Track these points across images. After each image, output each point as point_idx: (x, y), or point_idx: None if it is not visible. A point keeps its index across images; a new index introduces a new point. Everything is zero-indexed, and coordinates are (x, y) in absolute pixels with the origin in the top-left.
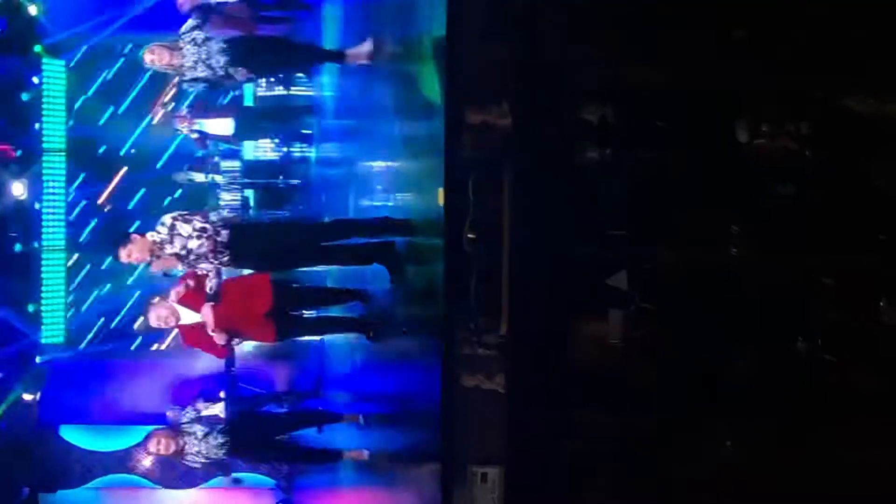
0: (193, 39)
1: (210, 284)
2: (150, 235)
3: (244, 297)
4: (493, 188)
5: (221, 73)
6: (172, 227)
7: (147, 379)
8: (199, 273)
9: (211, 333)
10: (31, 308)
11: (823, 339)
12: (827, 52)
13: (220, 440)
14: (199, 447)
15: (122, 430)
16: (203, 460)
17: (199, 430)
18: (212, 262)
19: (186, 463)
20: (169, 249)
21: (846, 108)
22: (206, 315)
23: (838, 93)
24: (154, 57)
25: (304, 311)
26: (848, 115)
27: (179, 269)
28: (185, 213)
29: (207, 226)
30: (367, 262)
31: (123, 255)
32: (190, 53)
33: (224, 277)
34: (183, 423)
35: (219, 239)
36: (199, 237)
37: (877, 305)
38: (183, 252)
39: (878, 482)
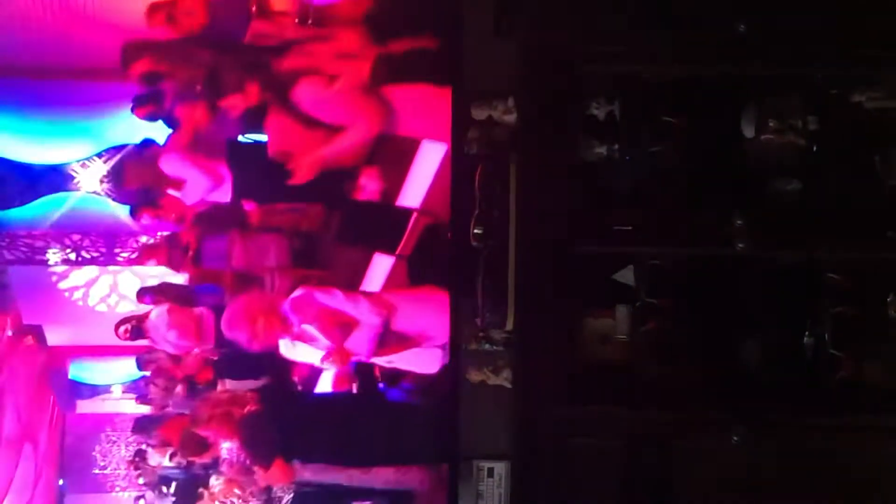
0: None
1: None
2: None
3: None
4: (499, 183)
5: None
6: None
7: None
8: None
9: None
10: None
11: (831, 334)
12: (835, 46)
13: None
14: None
15: None
16: None
17: None
18: None
19: None
20: None
21: (854, 103)
22: None
23: (846, 88)
24: None
25: None
26: (856, 111)
27: None
28: None
29: None
30: None
31: None
32: None
33: None
34: None
35: None
36: None
37: (885, 300)
38: None
39: (886, 478)
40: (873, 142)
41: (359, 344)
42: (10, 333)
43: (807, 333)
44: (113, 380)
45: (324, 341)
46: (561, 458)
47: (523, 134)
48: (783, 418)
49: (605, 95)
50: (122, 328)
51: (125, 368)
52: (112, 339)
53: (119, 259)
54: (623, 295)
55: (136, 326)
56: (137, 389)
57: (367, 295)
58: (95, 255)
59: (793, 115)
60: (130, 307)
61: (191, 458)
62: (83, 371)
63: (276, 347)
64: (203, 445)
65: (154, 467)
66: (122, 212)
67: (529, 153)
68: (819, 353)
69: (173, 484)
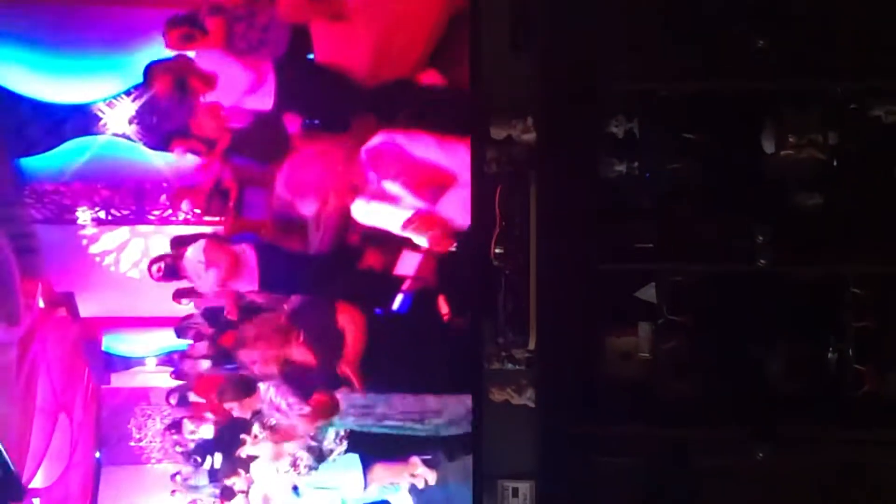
0: None
1: None
2: None
3: None
4: (519, 202)
5: None
6: None
7: None
8: None
9: None
10: None
11: (854, 349)
12: (854, 61)
13: None
14: None
15: None
16: None
17: None
18: None
19: None
20: None
21: (873, 117)
22: None
23: (865, 102)
24: None
25: None
26: (875, 125)
27: None
28: None
29: None
30: None
31: None
32: None
33: None
34: None
35: None
36: None
37: None
38: None
39: None
40: (893, 155)
41: (454, 206)
42: (42, 304)
43: (830, 348)
44: (147, 352)
45: (409, 200)
46: (585, 477)
47: (542, 153)
48: (807, 434)
49: (624, 113)
50: (155, 266)
51: (159, 340)
52: (146, 310)
53: (150, 217)
54: (645, 312)
55: (170, 265)
56: (172, 363)
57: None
58: (125, 212)
59: (812, 130)
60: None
61: (233, 403)
62: (117, 343)
63: (348, 212)
64: (246, 387)
65: (189, 439)
66: (151, 158)
67: (549, 172)
68: (843, 368)
69: (208, 457)
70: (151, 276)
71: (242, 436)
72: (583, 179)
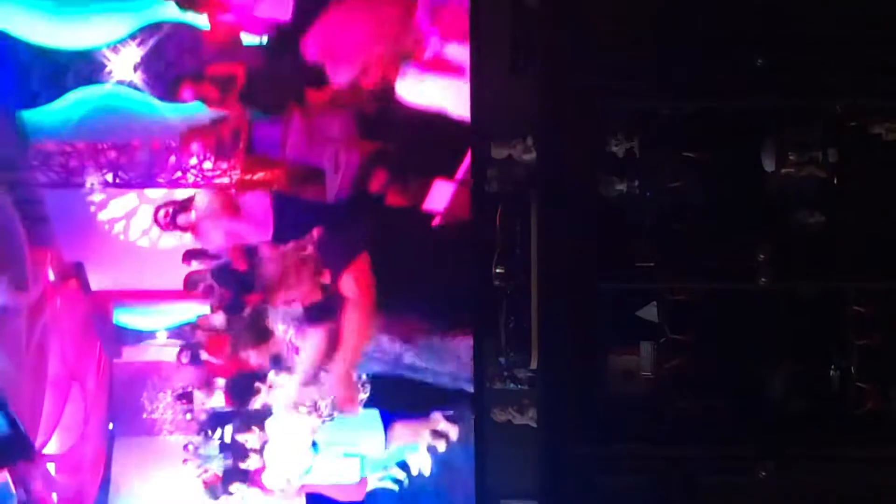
0: None
1: None
2: None
3: None
4: (520, 222)
5: None
6: None
7: None
8: None
9: None
10: None
11: (857, 366)
12: (854, 79)
13: None
14: None
15: None
16: None
17: None
18: None
19: None
20: None
21: (874, 135)
22: None
23: (865, 120)
24: None
25: None
26: (876, 142)
27: None
28: None
29: None
30: None
31: None
32: None
33: None
34: None
35: None
36: None
37: None
38: None
39: None
40: (893, 173)
41: None
42: (52, 277)
43: (832, 366)
44: (157, 325)
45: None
46: (588, 496)
47: (543, 172)
48: (811, 452)
49: (624, 132)
50: (162, 211)
51: (170, 314)
52: (156, 283)
53: (159, 181)
54: (647, 331)
55: (178, 210)
56: (182, 335)
57: None
58: (133, 175)
59: (813, 148)
60: (172, 241)
61: (249, 351)
62: (128, 317)
63: (392, 89)
64: (262, 333)
65: (200, 409)
66: (160, 110)
67: (549, 191)
68: (845, 386)
69: (219, 428)
70: (158, 223)
71: (257, 384)
72: (583, 198)
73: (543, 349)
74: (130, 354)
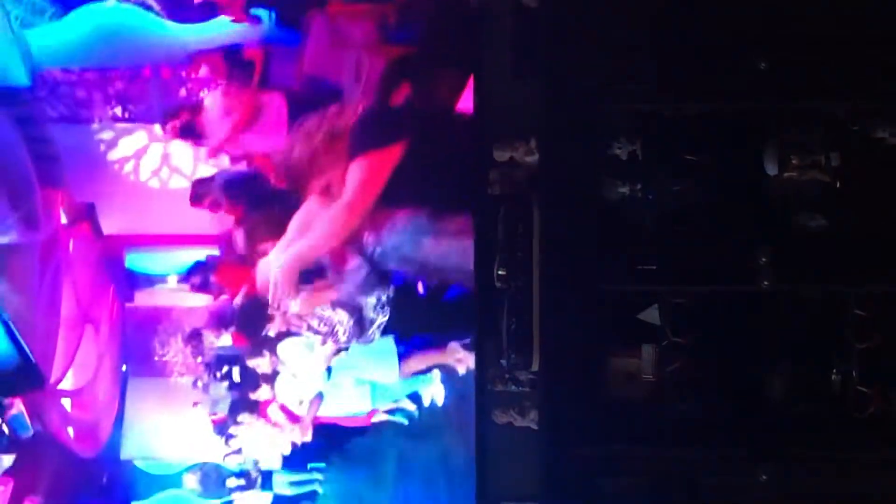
0: None
1: None
2: None
3: None
4: (522, 224)
5: None
6: None
7: None
8: None
9: None
10: None
11: (858, 370)
12: (857, 82)
13: None
14: None
15: None
16: None
17: None
18: None
19: None
20: None
21: (877, 139)
22: None
23: (868, 124)
24: None
25: None
26: (879, 146)
27: None
28: None
29: None
30: None
31: None
32: None
33: None
34: None
35: None
36: None
37: None
38: None
39: None
40: None
41: None
42: (64, 220)
43: (834, 369)
44: (169, 269)
45: None
46: (589, 498)
47: (545, 175)
48: (811, 455)
49: (626, 135)
50: (169, 124)
51: (181, 258)
52: (167, 227)
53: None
54: (648, 334)
55: (186, 122)
56: (192, 276)
57: None
58: (142, 108)
59: (815, 152)
60: (183, 182)
61: (266, 244)
62: (139, 261)
63: None
64: (278, 222)
65: (209, 348)
66: (170, 29)
67: (552, 194)
68: (847, 389)
69: (225, 367)
70: (165, 133)
71: (271, 310)
72: (585, 201)
73: (545, 351)
74: (142, 298)
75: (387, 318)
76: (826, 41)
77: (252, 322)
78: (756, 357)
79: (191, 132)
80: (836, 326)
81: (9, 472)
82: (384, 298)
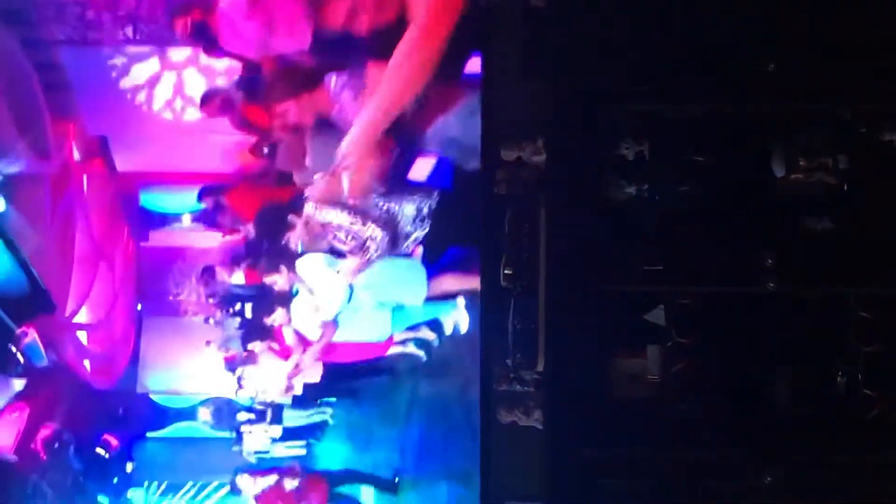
0: None
1: None
2: None
3: None
4: (529, 224)
5: None
6: None
7: None
8: None
9: None
10: None
11: (863, 373)
12: (865, 84)
13: None
14: None
15: None
16: None
17: None
18: None
19: None
20: None
21: (884, 141)
22: None
23: (876, 126)
24: None
25: None
26: (886, 149)
27: None
28: None
29: None
30: None
31: None
32: None
33: None
34: None
35: None
36: None
37: None
38: None
39: None
40: None
41: None
42: (77, 156)
43: (839, 372)
44: (183, 208)
45: None
46: (593, 499)
47: (552, 175)
48: (816, 458)
49: (633, 135)
50: (179, 21)
51: (195, 197)
52: (181, 164)
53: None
54: (653, 335)
55: (199, 21)
56: (206, 216)
57: None
58: (154, 28)
59: (823, 154)
60: (196, 114)
61: (290, 102)
62: (154, 200)
63: None
64: (308, 78)
65: (222, 284)
66: None
67: (559, 194)
68: (852, 392)
69: (238, 304)
70: (177, 34)
71: (291, 217)
72: (592, 201)
73: (550, 351)
74: (157, 238)
75: (426, 231)
76: (834, 44)
77: (271, 228)
78: (761, 359)
79: (203, 34)
80: (841, 329)
81: (23, 398)
82: (425, 210)
